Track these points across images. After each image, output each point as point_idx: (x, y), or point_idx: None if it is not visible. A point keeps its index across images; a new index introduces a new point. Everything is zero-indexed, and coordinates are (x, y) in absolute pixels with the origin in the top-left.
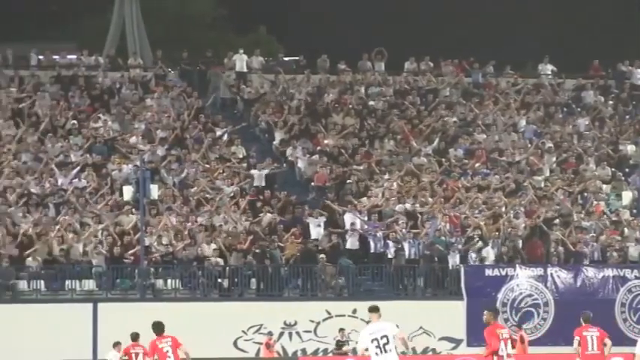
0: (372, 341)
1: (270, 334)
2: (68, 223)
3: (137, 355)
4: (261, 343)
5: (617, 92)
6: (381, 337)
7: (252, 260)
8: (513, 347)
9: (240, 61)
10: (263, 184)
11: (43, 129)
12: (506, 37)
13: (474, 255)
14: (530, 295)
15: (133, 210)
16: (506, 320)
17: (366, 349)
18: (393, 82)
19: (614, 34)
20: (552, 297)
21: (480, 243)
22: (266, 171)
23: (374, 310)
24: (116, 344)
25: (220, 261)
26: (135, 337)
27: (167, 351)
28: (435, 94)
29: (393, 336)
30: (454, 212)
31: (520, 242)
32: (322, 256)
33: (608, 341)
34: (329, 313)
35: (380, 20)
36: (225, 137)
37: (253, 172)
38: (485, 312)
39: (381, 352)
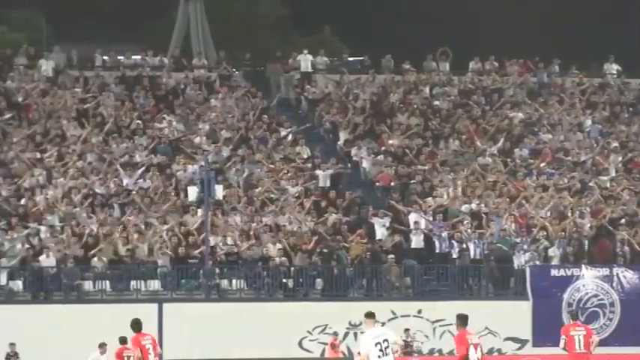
0: (376, 345)
1: (335, 334)
2: (133, 224)
3: (129, 357)
4: (326, 344)
5: None
6: (383, 341)
7: (317, 260)
8: None
9: (305, 61)
10: (328, 184)
11: (108, 129)
12: (570, 37)
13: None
14: (595, 296)
15: (198, 210)
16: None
17: (368, 355)
18: (458, 82)
19: None
20: (618, 297)
21: (546, 243)
22: (331, 171)
23: (370, 316)
24: (101, 345)
25: (285, 261)
26: (123, 340)
27: (148, 348)
28: (500, 94)
29: (394, 342)
30: (519, 212)
31: (586, 242)
32: (391, 256)
33: (595, 338)
34: (394, 313)
35: (444, 20)
36: (290, 137)
37: (318, 172)
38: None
39: (383, 354)
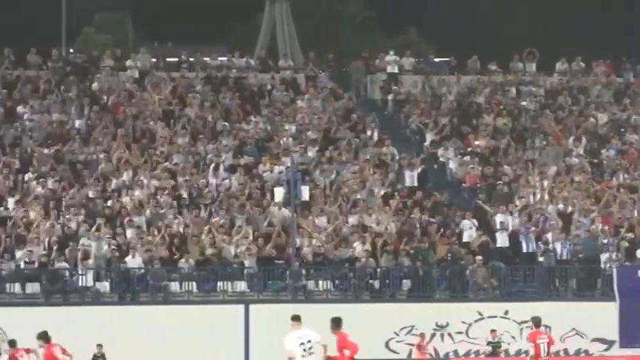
0: (300, 345)
1: (422, 335)
2: (220, 225)
3: None
4: (412, 345)
5: None
6: (307, 342)
7: (404, 261)
8: None
9: (391, 62)
10: (415, 184)
11: (194, 130)
12: None
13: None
14: None
15: (285, 211)
16: None
17: (292, 354)
18: (544, 83)
19: None
20: None
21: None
22: (418, 171)
23: (296, 319)
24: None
25: (371, 262)
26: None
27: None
28: (587, 95)
29: (317, 341)
30: (606, 213)
31: None
32: (479, 257)
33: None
34: (480, 314)
35: (530, 21)
36: (376, 138)
37: (405, 172)
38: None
39: (307, 354)
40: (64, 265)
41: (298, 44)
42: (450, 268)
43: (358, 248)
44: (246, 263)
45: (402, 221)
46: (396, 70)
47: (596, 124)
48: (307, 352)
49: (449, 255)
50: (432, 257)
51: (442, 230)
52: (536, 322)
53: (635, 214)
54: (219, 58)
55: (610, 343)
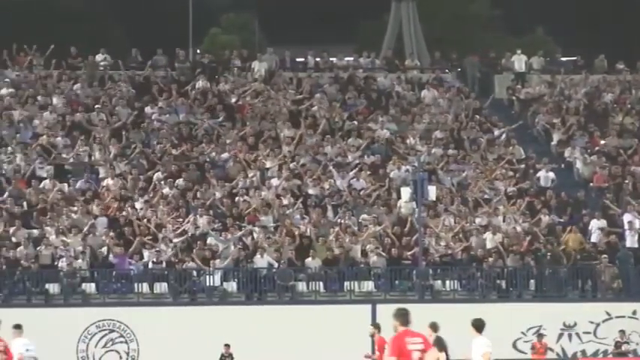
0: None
1: (540, 336)
2: (347, 225)
3: None
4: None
5: None
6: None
7: (531, 261)
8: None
9: (519, 61)
10: (549, 184)
11: (321, 130)
12: None
13: None
14: None
15: (412, 211)
16: None
17: None
18: None
19: None
20: None
21: None
22: (550, 172)
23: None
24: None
25: (499, 262)
26: None
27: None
28: None
29: None
30: None
31: None
32: (604, 256)
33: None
34: (609, 314)
35: None
36: (503, 138)
37: (540, 174)
38: None
39: None
40: (192, 265)
41: (425, 44)
42: (578, 268)
43: (486, 247)
44: (373, 263)
45: (529, 221)
46: (523, 70)
47: None
48: None
49: (577, 255)
50: (559, 257)
51: (570, 230)
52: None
53: None
54: (346, 59)
55: None
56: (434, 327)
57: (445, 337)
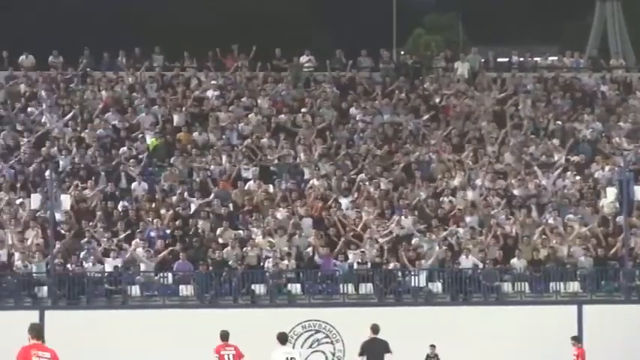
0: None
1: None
2: (552, 226)
3: (228, 356)
4: None
5: None
6: (291, 358)
7: None
8: None
9: None
10: None
11: (525, 130)
12: None
13: None
14: None
15: (615, 211)
16: None
17: None
18: None
19: None
20: None
21: None
22: None
23: (283, 339)
24: None
25: None
26: (225, 336)
27: None
28: None
29: None
30: None
31: None
32: None
33: None
34: None
35: None
36: None
37: None
38: None
39: None
40: (397, 265)
41: (630, 43)
42: None
43: None
44: (580, 264)
45: None
46: None
47: None
48: None
49: None
50: None
51: None
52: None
53: None
54: (550, 58)
55: None
56: None
57: None
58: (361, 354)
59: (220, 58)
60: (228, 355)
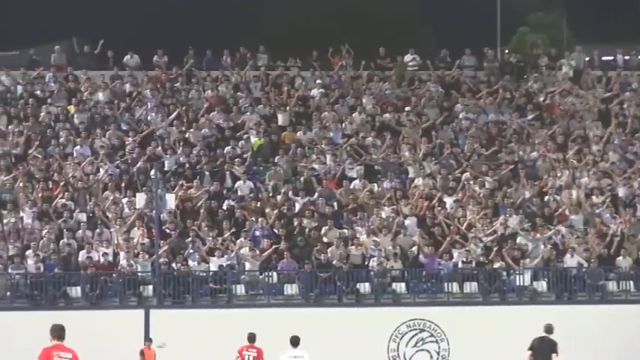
0: None
1: None
2: None
3: (249, 357)
4: None
5: None
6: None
7: None
8: None
9: None
10: None
11: (630, 129)
12: None
13: None
14: None
15: None
16: None
17: None
18: None
19: None
20: None
21: None
22: None
23: (295, 342)
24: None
25: None
26: (252, 338)
27: None
28: None
29: None
30: None
31: None
32: None
33: None
34: None
35: None
36: None
37: None
38: None
39: None
40: (502, 264)
41: None
42: None
43: None
44: None
45: None
46: None
47: None
48: None
49: None
50: None
51: None
52: None
53: None
54: None
55: None
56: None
57: None
58: (530, 349)
59: (329, 57)
60: (249, 356)
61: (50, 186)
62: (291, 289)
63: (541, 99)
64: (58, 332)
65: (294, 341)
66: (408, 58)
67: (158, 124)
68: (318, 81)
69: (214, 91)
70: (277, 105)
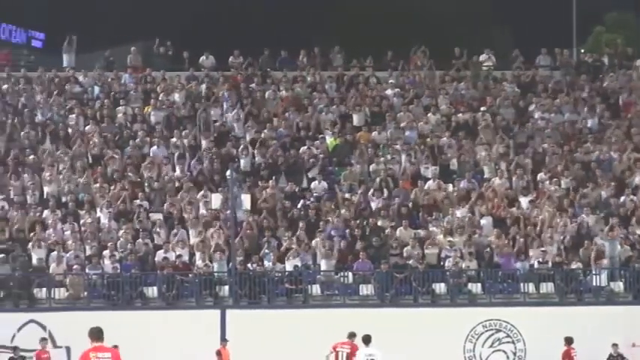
0: None
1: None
2: None
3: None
4: None
5: None
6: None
7: None
8: None
9: None
10: None
11: None
12: None
13: None
14: None
15: None
16: None
17: None
18: None
19: None
20: None
21: None
22: None
23: (367, 340)
24: None
25: None
26: (351, 335)
27: None
28: None
29: None
30: None
31: None
32: None
33: None
34: None
35: None
36: None
37: None
38: None
39: None
40: (578, 264)
41: None
42: None
43: None
44: None
45: None
46: None
47: None
48: None
49: None
50: None
51: None
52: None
53: None
54: None
55: None
56: None
57: None
58: None
59: (410, 58)
60: (342, 352)
61: (126, 186)
62: (366, 290)
63: (617, 98)
64: (96, 334)
65: (366, 340)
66: (483, 57)
67: (234, 124)
68: (392, 81)
69: (289, 91)
70: (352, 105)
